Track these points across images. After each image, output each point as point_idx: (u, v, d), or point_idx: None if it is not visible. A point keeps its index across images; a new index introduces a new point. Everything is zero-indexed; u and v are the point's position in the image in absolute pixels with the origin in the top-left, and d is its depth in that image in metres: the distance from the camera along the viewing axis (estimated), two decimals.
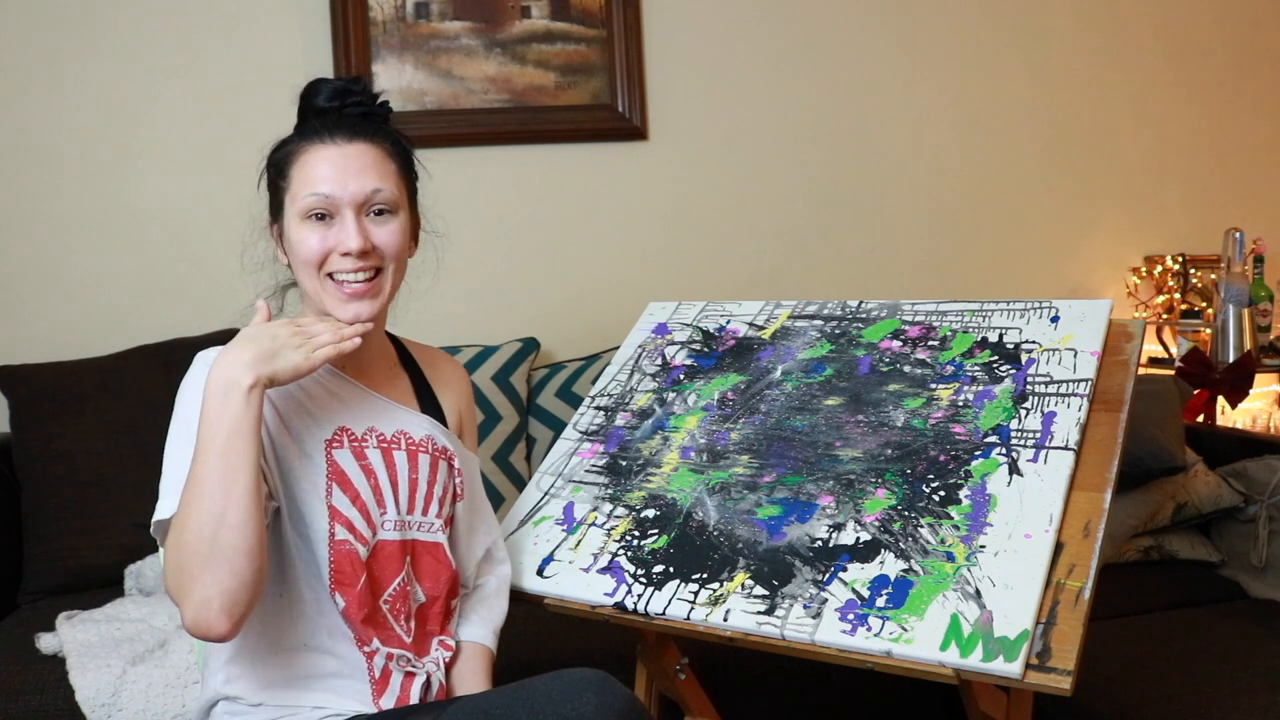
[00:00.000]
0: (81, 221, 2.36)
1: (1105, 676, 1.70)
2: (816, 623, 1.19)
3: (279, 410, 1.21)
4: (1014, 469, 1.26)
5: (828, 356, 1.53)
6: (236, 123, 2.37)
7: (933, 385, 1.41)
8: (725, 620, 1.24)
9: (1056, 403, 1.31)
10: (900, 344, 1.49)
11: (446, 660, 1.28)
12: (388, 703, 1.20)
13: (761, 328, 1.64)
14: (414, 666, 1.23)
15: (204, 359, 1.21)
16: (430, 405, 1.36)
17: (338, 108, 1.25)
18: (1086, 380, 1.32)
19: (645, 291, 2.30)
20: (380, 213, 1.23)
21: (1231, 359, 2.60)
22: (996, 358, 1.41)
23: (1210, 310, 2.76)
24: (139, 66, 2.37)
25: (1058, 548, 1.17)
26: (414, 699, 1.21)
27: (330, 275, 1.21)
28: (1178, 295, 2.90)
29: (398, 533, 1.25)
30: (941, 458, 1.31)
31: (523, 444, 2.31)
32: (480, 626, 1.35)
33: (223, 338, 1.29)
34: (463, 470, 1.33)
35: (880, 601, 1.18)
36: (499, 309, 2.56)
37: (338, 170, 1.20)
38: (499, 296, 2.57)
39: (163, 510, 1.13)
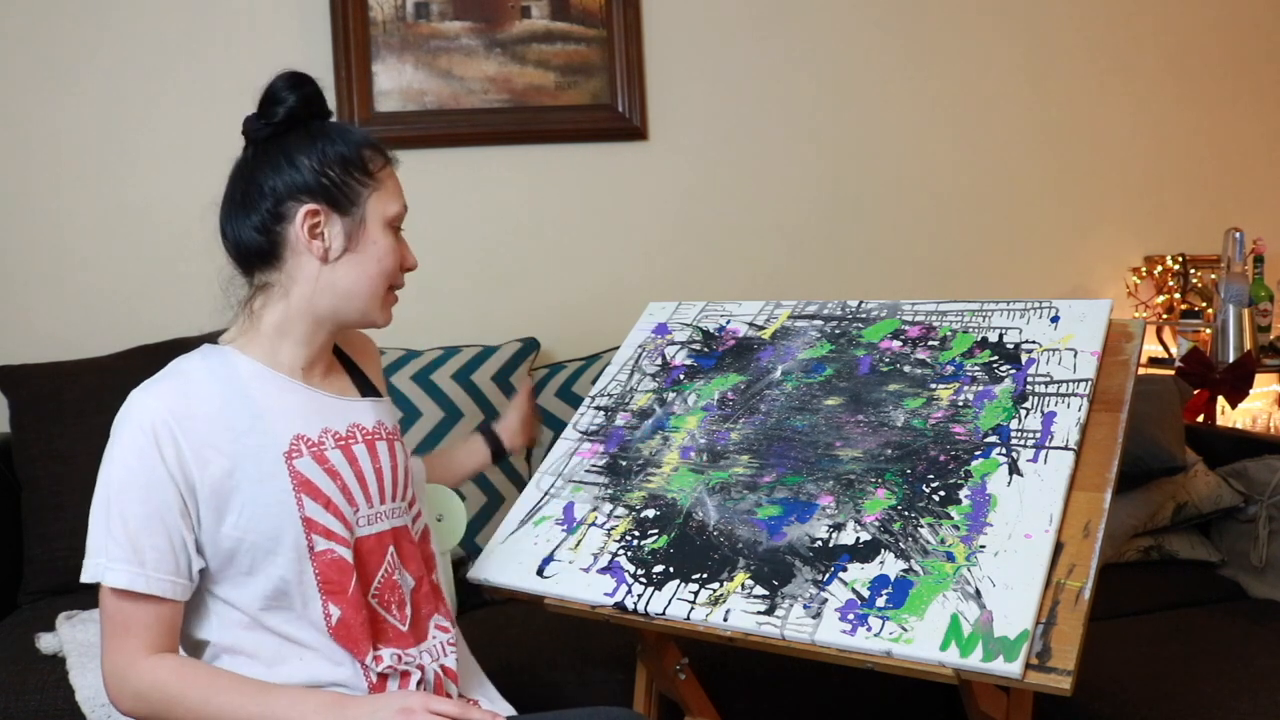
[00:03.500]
0: (81, 221, 2.36)
1: (1105, 676, 1.70)
2: (816, 623, 1.19)
3: (228, 452, 1.17)
4: (1014, 469, 1.26)
5: (828, 356, 1.53)
6: (237, 122, 2.35)
7: (933, 385, 1.41)
8: (725, 620, 1.24)
9: (1056, 403, 1.31)
10: (900, 344, 1.49)
11: (449, 642, 1.28)
12: None
13: (761, 328, 1.64)
14: (407, 663, 1.22)
15: (140, 407, 1.17)
16: (364, 385, 1.35)
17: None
18: (1086, 380, 1.32)
19: (645, 291, 2.30)
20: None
21: (1231, 359, 2.60)
22: (996, 358, 1.41)
23: (1210, 310, 2.76)
24: (139, 66, 2.37)
25: (1058, 548, 1.17)
26: None
27: (391, 287, 1.28)
28: (1178, 295, 2.90)
29: (371, 525, 1.25)
30: (941, 458, 1.31)
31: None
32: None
33: (215, 340, 1.28)
34: (397, 428, 1.37)
35: (880, 601, 1.18)
36: (499, 309, 2.56)
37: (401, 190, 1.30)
38: (499, 296, 2.57)
39: (102, 573, 1.13)
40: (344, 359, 1.37)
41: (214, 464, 1.16)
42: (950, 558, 1.19)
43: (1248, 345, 2.62)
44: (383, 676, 1.20)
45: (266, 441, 1.19)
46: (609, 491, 1.49)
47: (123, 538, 1.13)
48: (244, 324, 1.26)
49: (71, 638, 1.70)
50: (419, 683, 1.22)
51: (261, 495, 1.18)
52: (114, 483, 1.15)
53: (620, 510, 1.45)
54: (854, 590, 1.20)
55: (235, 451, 1.17)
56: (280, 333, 1.24)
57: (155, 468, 1.14)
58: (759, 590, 1.25)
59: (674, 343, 1.68)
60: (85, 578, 1.14)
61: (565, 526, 1.47)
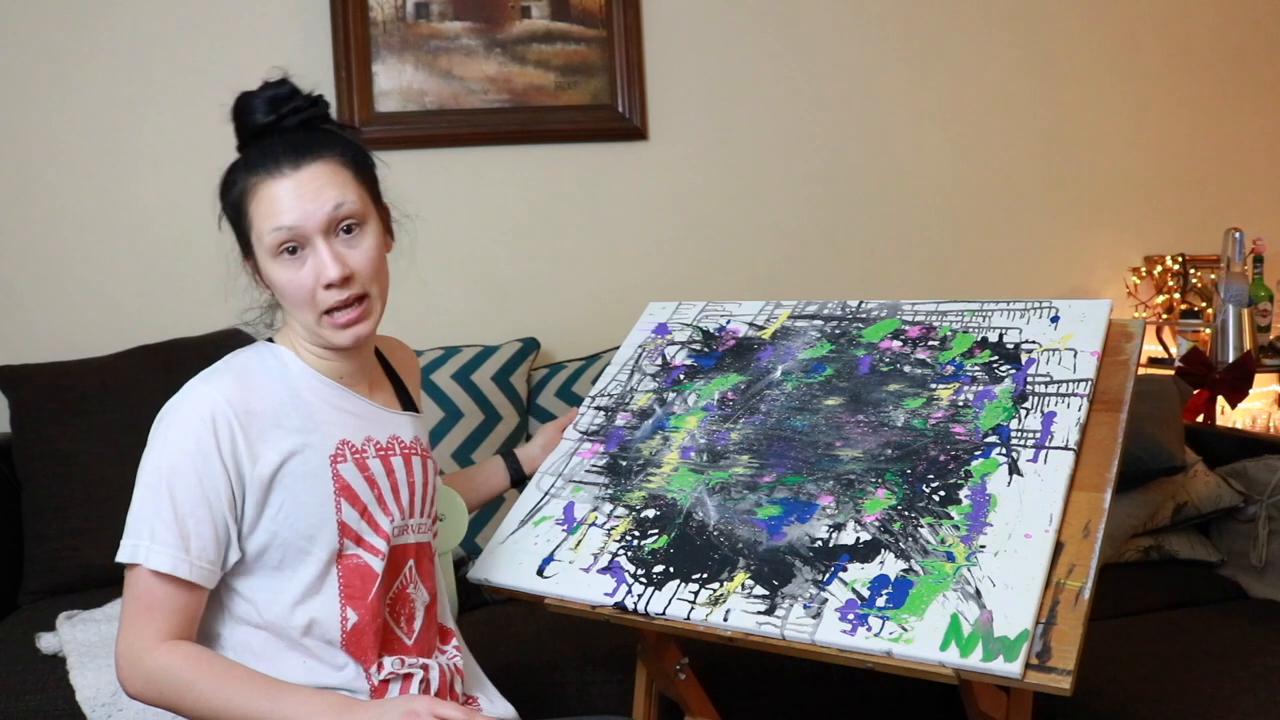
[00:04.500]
0: (82, 221, 2.36)
1: (1105, 676, 1.70)
2: (816, 623, 1.19)
3: (278, 449, 1.18)
4: (1014, 469, 1.26)
5: (828, 356, 1.53)
6: None
7: (933, 385, 1.41)
8: (725, 620, 1.24)
9: (1056, 403, 1.31)
10: (900, 344, 1.49)
11: (456, 647, 1.30)
12: None
13: (761, 328, 1.64)
14: (411, 666, 1.23)
15: (200, 395, 1.16)
16: (406, 399, 1.37)
17: (274, 122, 1.22)
18: (1086, 380, 1.32)
19: (645, 291, 2.30)
20: (349, 229, 1.19)
21: (1231, 359, 2.59)
22: (996, 358, 1.40)
23: (1210, 310, 2.76)
24: (139, 66, 2.37)
25: (1058, 548, 1.17)
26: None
27: (326, 312, 1.19)
28: (1178, 295, 2.90)
29: (399, 538, 1.26)
30: (941, 458, 1.31)
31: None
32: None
33: (223, 338, 1.28)
34: (429, 446, 1.36)
35: (880, 601, 1.18)
36: (499, 309, 2.56)
37: (295, 198, 1.16)
38: (499, 296, 2.57)
39: (145, 555, 1.12)
40: (389, 370, 1.37)
41: (264, 460, 1.16)
42: (950, 558, 1.19)
43: (1247, 345, 2.62)
44: (384, 682, 1.20)
45: (314, 442, 1.20)
46: (609, 491, 1.49)
47: (172, 522, 1.12)
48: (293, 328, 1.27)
49: (71, 637, 1.70)
50: (421, 682, 1.22)
51: (303, 494, 1.18)
52: (166, 467, 1.14)
53: (620, 510, 1.45)
54: (854, 590, 1.20)
55: (284, 449, 1.18)
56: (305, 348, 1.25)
57: (211, 456, 1.14)
58: (759, 590, 1.25)
59: (674, 343, 1.68)
60: (123, 557, 1.13)
61: (565, 526, 1.47)
